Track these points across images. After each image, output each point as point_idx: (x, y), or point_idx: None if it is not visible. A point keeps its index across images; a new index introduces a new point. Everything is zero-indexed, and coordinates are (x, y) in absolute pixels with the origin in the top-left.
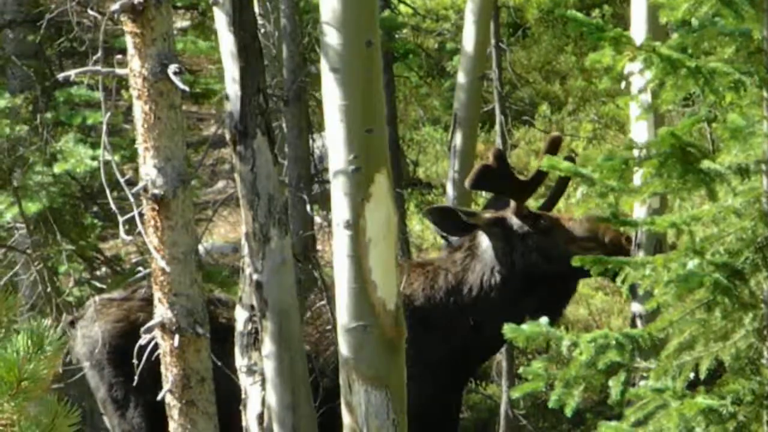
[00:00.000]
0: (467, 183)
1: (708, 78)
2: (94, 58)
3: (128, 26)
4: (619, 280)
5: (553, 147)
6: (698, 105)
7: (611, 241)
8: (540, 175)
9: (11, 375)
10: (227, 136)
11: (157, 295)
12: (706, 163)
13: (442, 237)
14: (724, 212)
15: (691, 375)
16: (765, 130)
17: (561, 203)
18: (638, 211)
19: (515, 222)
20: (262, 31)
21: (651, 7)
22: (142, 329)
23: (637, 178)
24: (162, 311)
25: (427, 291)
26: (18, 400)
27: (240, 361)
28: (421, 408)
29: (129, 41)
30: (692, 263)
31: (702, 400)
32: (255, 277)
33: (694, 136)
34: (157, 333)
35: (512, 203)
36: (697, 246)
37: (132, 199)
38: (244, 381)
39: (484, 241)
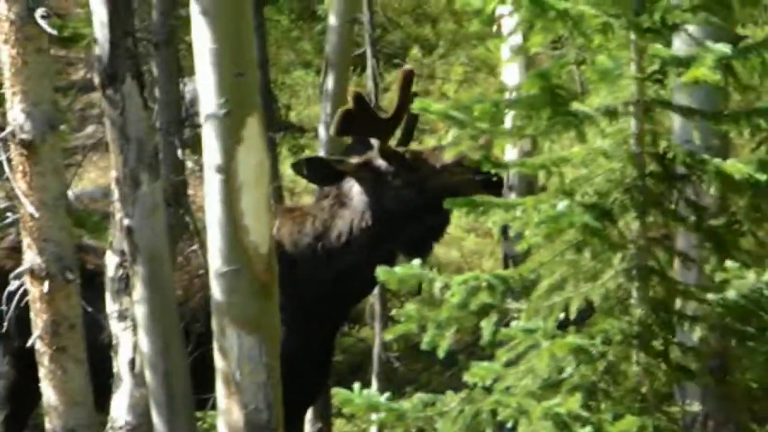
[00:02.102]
0: (332, 131)
1: (576, 21)
2: None
3: None
4: (490, 221)
5: (407, 81)
6: (567, 47)
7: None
8: (401, 110)
9: None
10: (96, 81)
11: (26, 241)
12: (575, 105)
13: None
14: (593, 154)
15: (562, 315)
16: (633, 72)
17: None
18: (510, 153)
19: (381, 163)
20: None
21: None
22: (11, 276)
23: (508, 120)
24: (31, 257)
25: (294, 236)
26: None
27: (111, 307)
28: (294, 352)
29: None
30: (562, 204)
31: (572, 339)
32: (126, 222)
33: (564, 79)
34: (26, 279)
35: (375, 145)
36: (567, 187)
37: None
38: (116, 327)
39: (353, 186)
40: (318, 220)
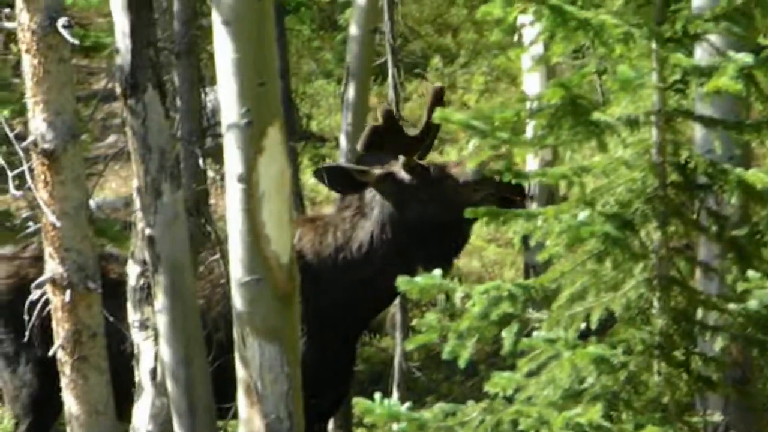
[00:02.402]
0: (360, 146)
1: (597, 30)
2: None
3: None
4: (511, 231)
5: (437, 99)
6: (588, 57)
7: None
8: (429, 128)
9: None
10: (118, 90)
11: (48, 250)
12: (596, 115)
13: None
14: (614, 163)
15: (583, 325)
16: (654, 81)
17: (454, 156)
18: (531, 163)
19: (405, 176)
20: None
21: None
22: (33, 285)
23: (529, 130)
24: (53, 266)
25: (315, 246)
26: None
27: (132, 316)
28: (315, 361)
29: None
30: (583, 214)
31: (593, 349)
32: (147, 231)
33: (585, 89)
34: (48, 288)
35: (400, 158)
36: (588, 197)
37: (21, 154)
38: (137, 336)
39: (374, 198)
40: (339, 230)
